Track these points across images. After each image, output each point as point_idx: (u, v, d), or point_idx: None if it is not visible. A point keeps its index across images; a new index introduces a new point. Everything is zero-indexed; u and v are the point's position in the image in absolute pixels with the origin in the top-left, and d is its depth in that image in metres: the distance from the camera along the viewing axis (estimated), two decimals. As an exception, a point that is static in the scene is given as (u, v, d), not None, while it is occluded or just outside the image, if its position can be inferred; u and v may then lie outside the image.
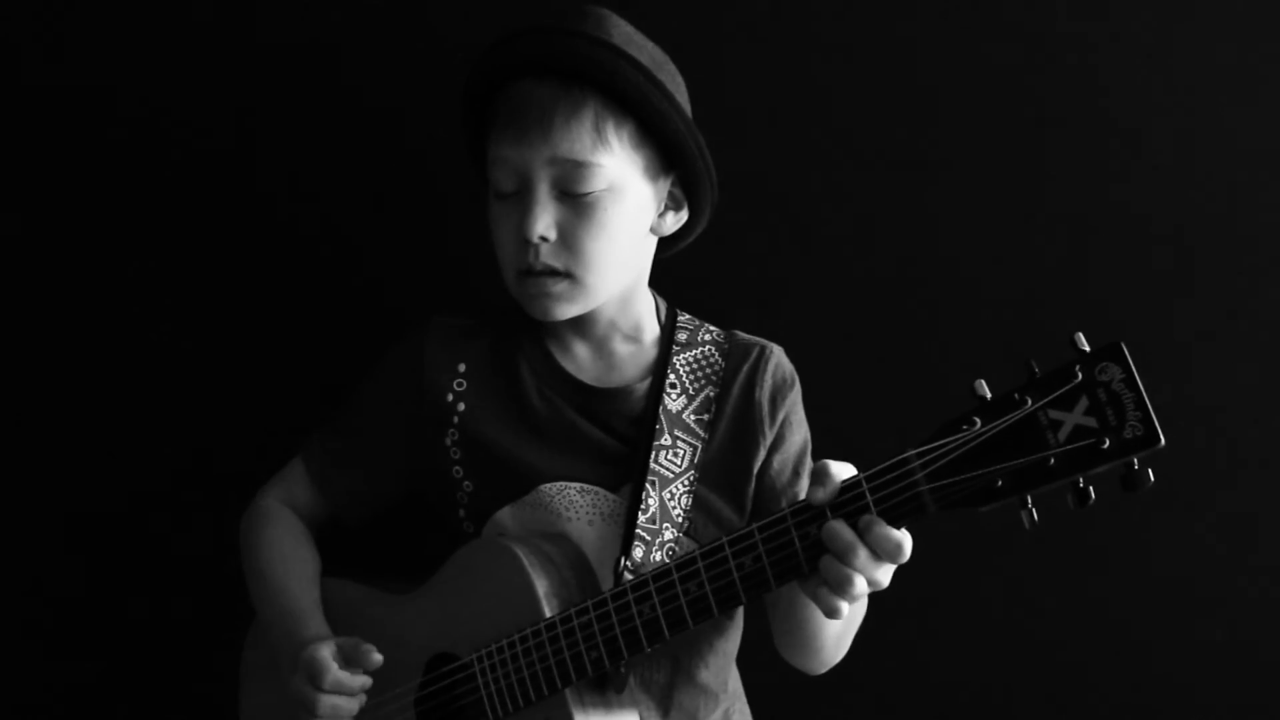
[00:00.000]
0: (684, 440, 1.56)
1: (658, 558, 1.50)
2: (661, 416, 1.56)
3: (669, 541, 1.52)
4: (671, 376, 1.58)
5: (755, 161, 1.82)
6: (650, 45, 1.57)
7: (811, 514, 1.30)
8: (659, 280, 1.66)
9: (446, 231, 1.87)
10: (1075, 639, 1.86)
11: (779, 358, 1.62)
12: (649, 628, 1.38)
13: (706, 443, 1.57)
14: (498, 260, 1.56)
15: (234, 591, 1.65)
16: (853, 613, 1.47)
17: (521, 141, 1.49)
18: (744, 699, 1.67)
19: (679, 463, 1.55)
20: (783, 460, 1.59)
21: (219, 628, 1.76)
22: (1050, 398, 1.20)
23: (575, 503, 1.54)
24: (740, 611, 1.63)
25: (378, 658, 1.47)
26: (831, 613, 1.30)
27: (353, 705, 1.46)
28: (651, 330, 1.64)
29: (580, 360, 1.61)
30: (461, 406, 1.59)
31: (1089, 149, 1.83)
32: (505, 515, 1.55)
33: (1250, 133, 1.83)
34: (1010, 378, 1.24)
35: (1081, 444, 1.18)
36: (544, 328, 1.62)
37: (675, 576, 1.36)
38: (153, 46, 1.86)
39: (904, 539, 1.27)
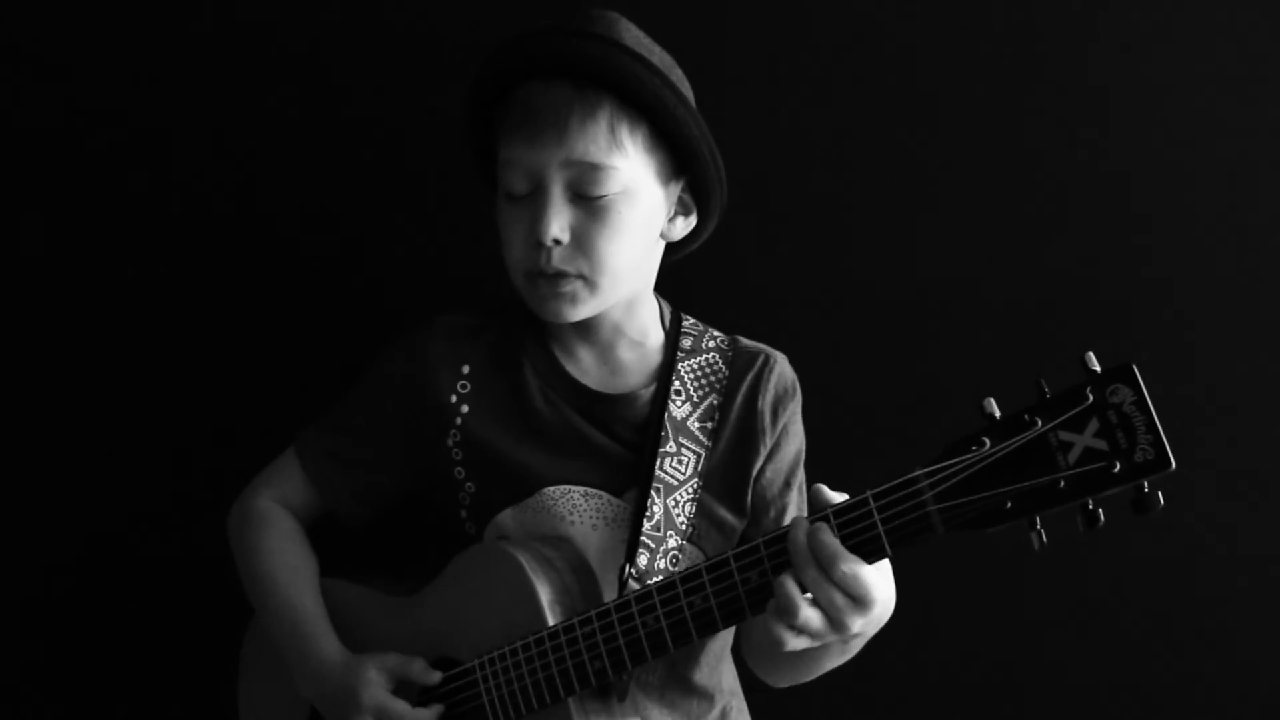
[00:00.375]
0: (688, 448, 1.55)
1: (662, 565, 1.50)
2: (666, 423, 1.55)
3: (673, 549, 1.51)
4: (676, 383, 1.58)
5: (759, 166, 1.81)
6: (659, 49, 1.56)
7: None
8: (662, 283, 1.65)
9: (447, 232, 1.86)
10: (1076, 639, 1.86)
11: (782, 366, 1.62)
12: (653, 639, 1.38)
13: (710, 450, 1.56)
14: (506, 262, 1.54)
15: (231, 588, 1.64)
16: (821, 654, 1.45)
17: (535, 143, 1.47)
18: (741, 696, 1.67)
19: (683, 470, 1.54)
20: (775, 470, 1.59)
21: (217, 624, 1.75)
22: (1061, 419, 1.19)
23: (579, 506, 1.53)
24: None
25: (436, 675, 1.48)
26: (779, 641, 1.29)
27: None
28: (656, 335, 1.63)
29: (584, 364, 1.60)
30: (465, 408, 1.58)
31: (1099, 157, 1.83)
32: (507, 517, 1.54)
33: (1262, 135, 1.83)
34: (1013, 386, 1.24)
35: (1092, 467, 1.18)
36: (548, 330, 1.61)
37: (680, 589, 1.36)
38: (153, 48, 1.86)
39: (848, 558, 1.25)
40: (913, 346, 1.85)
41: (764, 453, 1.58)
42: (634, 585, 1.47)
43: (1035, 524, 1.21)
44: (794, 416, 1.61)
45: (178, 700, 1.88)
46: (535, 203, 1.49)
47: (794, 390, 1.61)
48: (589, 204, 1.48)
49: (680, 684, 1.57)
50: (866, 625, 1.31)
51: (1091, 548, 1.78)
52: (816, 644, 1.31)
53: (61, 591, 1.89)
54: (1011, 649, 1.87)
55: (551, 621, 1.43)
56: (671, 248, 1.63)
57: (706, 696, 1.59)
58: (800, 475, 1.62)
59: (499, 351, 1.61)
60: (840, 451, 1.70)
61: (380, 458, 1.61)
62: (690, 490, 1.54)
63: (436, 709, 1.47)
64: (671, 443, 1.54)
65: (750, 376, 1.60)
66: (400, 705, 1.46)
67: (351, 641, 1.54)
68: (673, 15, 1.68)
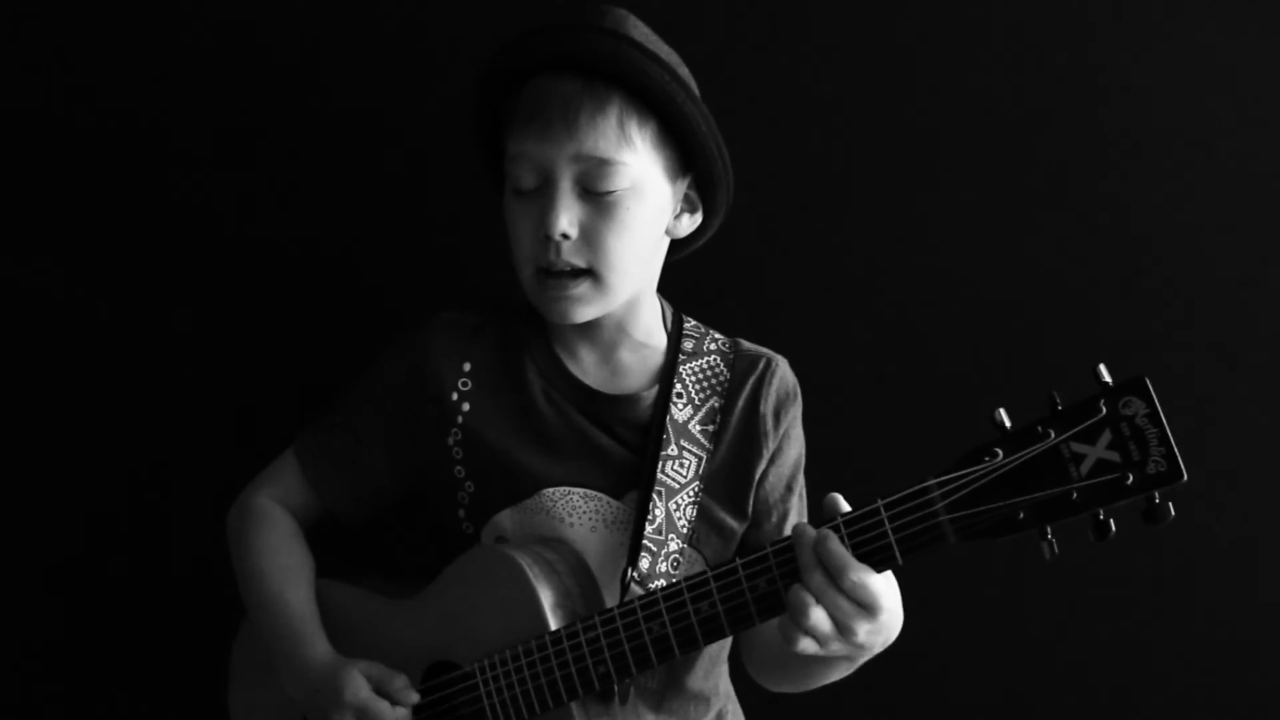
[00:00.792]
0: (690, 451, 1.55)
1: (663, 568, 1.50)
2: (668, 426, 1.55)
3: (674, 552, 1.51)
4: (678, 386, 1.57)
5: (763, 167, 1.80)
6: (665, 46, 1.55)
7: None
8: (664, 284, 1.64)
9: (449, 231, 1.85)
10: (1076, 639, 1.87)
11: (784, 371, 1.62)
12: (659, 645, 1.38)
13: (711, 454, 1.56)
14: (514, 258, 1.53)
15: (226, 588, 1.63)
16: (824, 667, 1.45)
17: (545, 137, 1.47)
18: (735, 699, 1.67)
19: (685, 473, 1.54)
20: (777, 475, 1.59)
21: (216, 626, 1.73)
22: (1074, 431, 1.20)
23: (578, 508, 1.53)
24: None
25: (415, 697, 1.47)
26: (788, 641, 1.30)
27: None
28: (658, 336, 1.62)
29: (586, 365, 1.60)
30: (466, 406, 1.57)
31: (1112, 160, 1.83)
32: (506, 518, 1.53)
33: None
34: (1016, 388, 1.26)
35: (1104, 478, 1.19)
36: (550, 330, 1.61)
37: (687, 596, 1.36)
38: (153, 49, 1.85)
39: (857, 567, 1.26)
40: (917, 349, 1.86)
41: (766, 457, 1.58)
42: (636, 589, 1.47)
43: (1046, 534, 1.23)
44: (795, 420, 1.62)
45: (170, 699, 1.88)
46: (544, 197, 1.48)
47: (795, 394, 1.62)
48: (598, 199, 1.48)
49: (677, 689, 1.57)
50: (873, 635, 1.31)
51: (1091, 553, 1.80)
52: (823, 652, 1.32)
53: (61, 592, 1.88)
54: (1011, 649, 1.88)
55: (554, 625, 1.43)
56: (673, 247, 1.63)
57: (703, 700, 1.60)
58: (801, 480, 1.63)
59: (501, 350, 1.60)
60: (837, 451, 1.70)
61: (379, 457, 1.60)
62: (691, 493, 1.54)
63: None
64: (673, 445, 1.54)
65: (752, 380, 1.60)
66: (381, 704, 1.45)
67: (351, 644, 1.53)
68: (677, 14, 1.69)
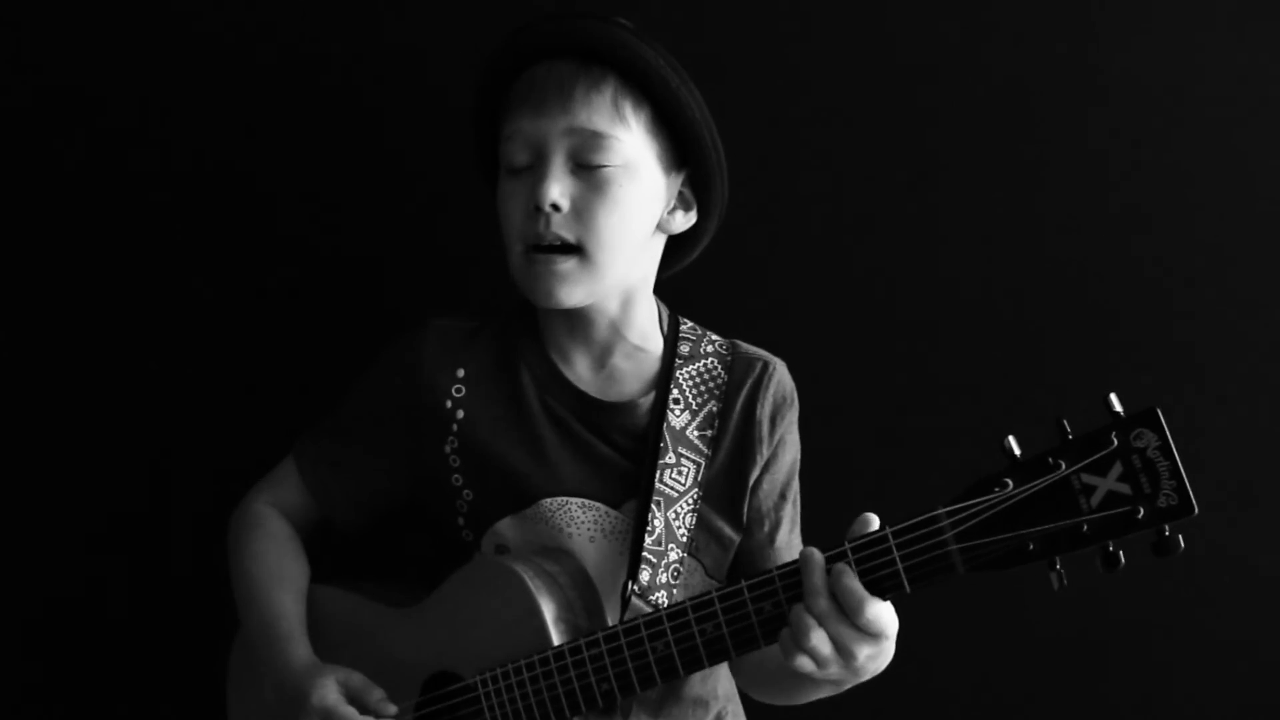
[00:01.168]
0: (688, 458, 1.54)
1: (663, 579, 1.49)
2: (665, 434, 1.54)
3: (674, 562, 1.51)
4: (675, 391, 1.56)
5: (762, 168, 1.80)
6: (662, 49, 1.54)
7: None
8: (662, 287, 1.63)
9: (448, 234, 1.84)
10: (1076, 640, 1.88)
11: (781, 374, 1.61)
12: (663, 664, 1.37)
13: (710, 460, 1.55)
14: (504, 239, 1.52)
15: (226, 592, 1.62)
16: (815, 684, 1.44)
17: (540, 113, 1.48)
18: (738, 700, 1.67)
19: (683, 481, 1.53)
20: (771, 481, 1.59)
21: (216, 628, 1.73)
22: (1085, 463, 1.20)
23: (577, 518, 1.52)
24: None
25: (392, 709, 1.46)
26: (786, 655, 1.31)
27: None
28: (654, 340, 1.61)
29: (581, 370, 1.58)
30: (461, 413, 1.56)
31: (1118, 169, 1.83)
32: (505, 526, 1.52)
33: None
34: (1012, 390, 1.24)
35: (1115, 511, 1.19)
36: (545, 335, 1.59)
37: (691, 616, 1.36)
38: (151, 50, 1.84)
39: (873, 603, 1.27)
40: (916, 353, 1.85)
41: (761, 463, 1.58)
42: (637, 601, 1.46)
43: (1055, 564, 1.22)
44: (791, 426, 1.61)
45: (177, 706, 1.88)
46: (535, 172, 1.49)
47: (792, 399, 1.61)
48: (590, 174, 1.48)
49: (676, 695, 1.57)
50: (871, 660, 1.32)
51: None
52: (819, 673, 1.32)
53: (60, 595, 1.88)
54: (1012, 649, 1.89)
55: (556, 639, 1.42)
56: (671, 257, 1.62)
57: (701, 704, 1.60)
58: (795, 486, 1.62)
59: (496, 355, 1.59)
60: (835, 452, 1.70)
61: (377, 464, 1.59)
62: (690, 501, 1.53)
63: None
64: (671, 454, 1.53)
65: (749, 383, 1.59)
66: (348, 711, 1.44)
67: (350, 651, 1.52)
68: (676, 14, 1.70)
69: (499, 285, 1.56)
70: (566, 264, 1.49)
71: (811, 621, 1.28)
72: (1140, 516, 1.18)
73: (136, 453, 1.86)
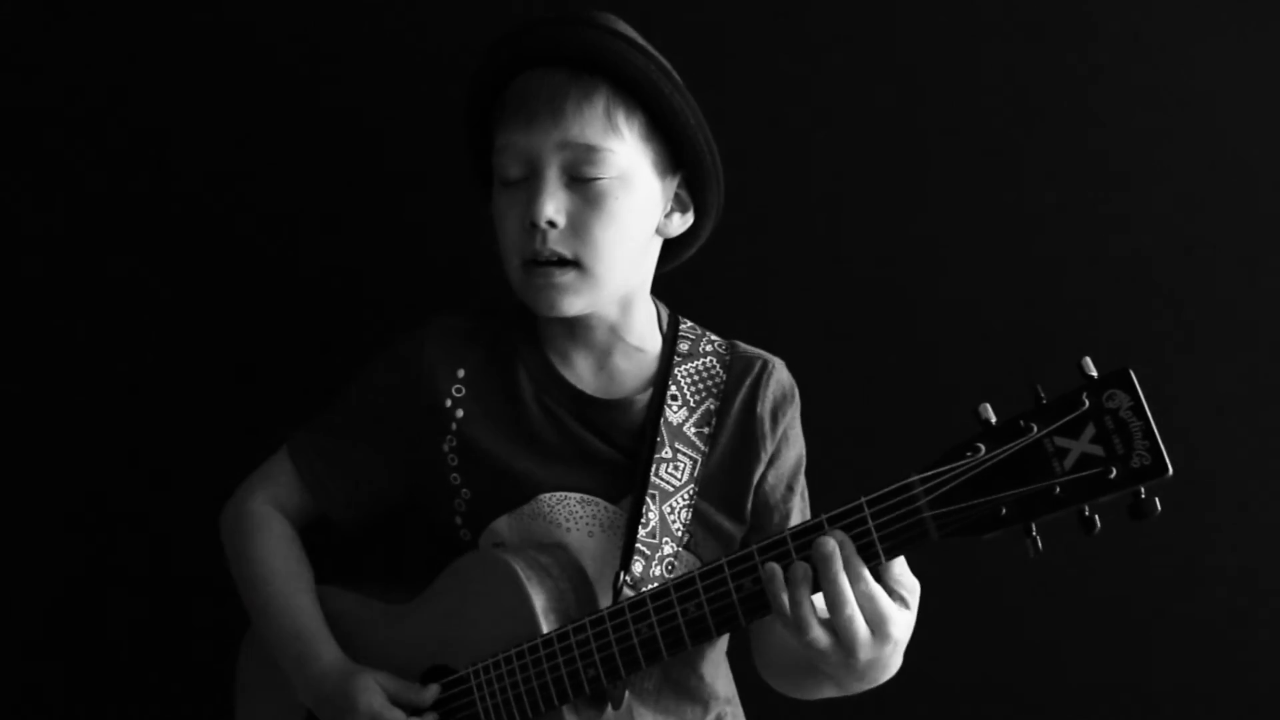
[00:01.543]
0: (684, 453, 1.54)
1: (657, 572, 1.49)
2: (663, 429, 1.54)
3: (668, 556, 1.50)
4: (673, 388, 1.56)
5: (759, 168, 1.80)
6: (655, 52, 1.54)
7: (810, 537, 1.28)
8: (661, 286, 1.64)
9: (447, 234, 1.85)
10: (1076, 640, 1.86)
11: (780, 372, 1.61)
12: (646, 647, 1.37)
13: (706, 456, 1.55)
14: (501, 251, 1.53)
15: (227, 593, 1.63)
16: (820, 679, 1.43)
17: (532, 126, 1.47)
18: (737, 702, 1.65)
19: (679, 476, 1.53)
20: (778, 475, 1.58)
21: (215, 629, 1.75)
22: (1056, 425, 1.19)
23: (575, 513, 1.52)
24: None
25: (430, 693, 1.46)
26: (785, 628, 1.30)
27: None
28: (653, 339, 1.61)
29: (580, 370, 1.59)
30: (460, 412, 1.57)
31: (1096, 159, 1.83)
32: (503, 524, 1.53)
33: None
34: (1011, 387, 1.24)
35: (1088, 473, 1.17)
36: (543, 335, 1.60)
37: (674, 596, 1.35)
38: (150, 50, 1.86)
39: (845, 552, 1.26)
40: (912, 349, 1.85)
41: (764, 459, 1.57)
42: (629, 593, 1.46)
43: (1031, 530, 1.21)
44: (793, 422, 1.60)
45: (174, 707, 1.88)
46: (530, 186, 1.48)
47: (792, 395, 1.60)
48: (585, 188, 1.47)
49: (675, 690, 1.55)
50: (880, 656, 1.30)
51: (1087, 551, 1.78)
52: (821, 661, 1.31)
53: (59, 596, 1.89)
54: (1013, 649, 1.87)
55: (546, 629, 1.42)
56: (668, 254, 1.62)
57: (701, 702, 1.58)
58: (802, 481, 1.61)
59: (494, 355, 1.60)
60: (834, 451, 1.69)
61: (375, 461, 1.59)
62: (686, 496, 1.53)
63: (431, 717, 1.46)
64: (667, 448, 1.53)
65: (748, 382, 1.58)
66: (396, 714, 1.45)
67: (348, 650, 1.53)
68: (669, 19, 1.69)
69: (498, 284, 1.57)
70: (565, 276, 1.50)
71: (809, 616, 1.27)
72: (1113, 477, 1.16)
73: (133, 456, 1.87)
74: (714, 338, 1.63)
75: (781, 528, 1.56)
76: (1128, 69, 1.82)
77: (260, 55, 1.86)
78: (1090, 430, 1.17)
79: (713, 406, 1.57)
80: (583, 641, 1.39)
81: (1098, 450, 1.17)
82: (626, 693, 1.46)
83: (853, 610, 1.26)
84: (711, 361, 1.60)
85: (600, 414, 1.56)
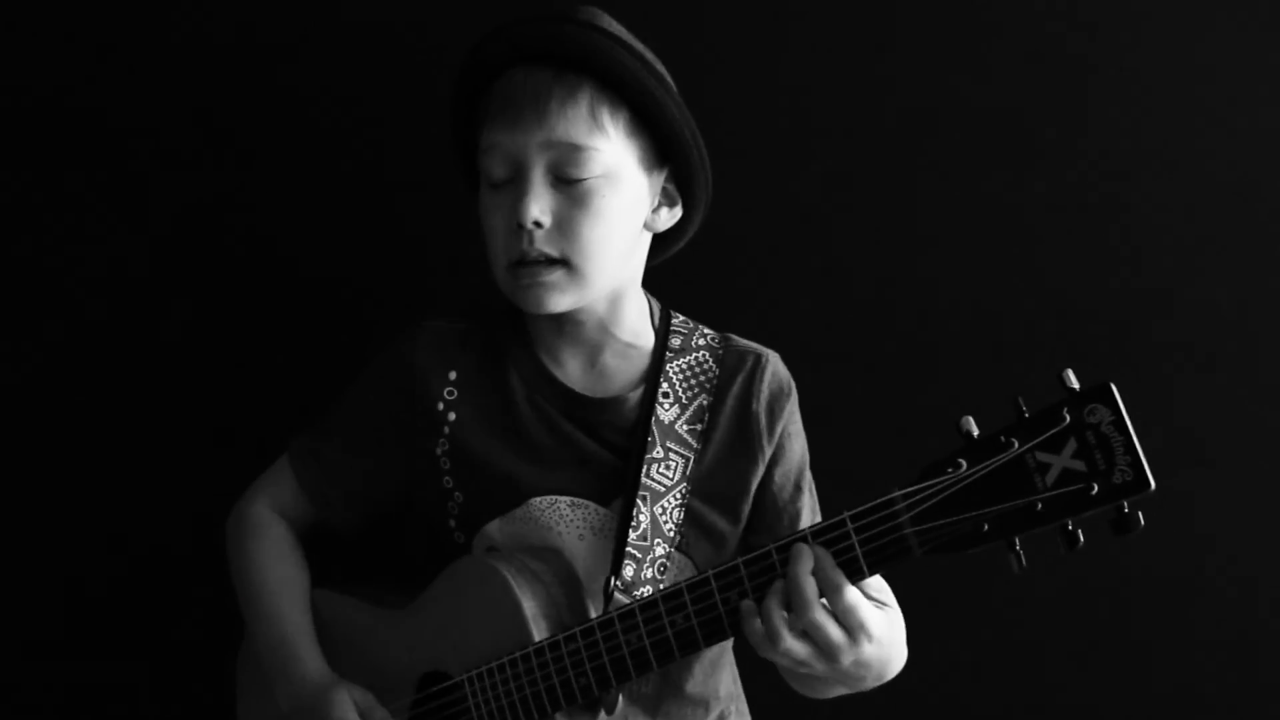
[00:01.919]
0: (676, 452, 1.53)
1: (649, 575, 1.49)
2: (653, 428, 1.53)
3: (660, 557, 1.50)
4: (664, 385, 1.55)
5: (753, 163, 1.80)
6: (640, 45, 1.53)
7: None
8: (651, 280, 1.63)
9: (444, 237, 1.84)
10: (1077, 640, 1.86)
11: (775, 366, 1.59)
12: (637, 657, 1.37)
13: (699, 454, 1.54)
14: (488, 253, 1.52)
15: (228, 599, 1.64)
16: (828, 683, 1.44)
17: (516, 126, 1.46)
18: (742, 699, 1.66)
19: (671, 476, 1.52)
20: (784, 474, 1.57)
21: (216, 630, 1.76)
22: (1037, 440, 1.18)
23: (566, 517, 1.52)
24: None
25: None
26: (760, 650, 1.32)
27: None
28: (645, 334, 1.60)
29: (571, 369, 1.58)
30: (452, 416, 1.56)
31: (1092, 169, 1.82)
32: (495, 528, 1.52)
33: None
34: (996, 398, 1.23)
35: (1070, 489, 1.17)
36: (534, 335, 1.59)
37: (662, 608, 1.35)
38: (147, 50, 1.86)
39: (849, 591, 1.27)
40: (908, 347, 1.84)
41: (764, 459, 1.56)
42: (619, 597, 1.46)
43: (1014, 545, 1.20)
44: (792, 417, 1.59)
45: (177, 710, 1.90)
46: (516, 187, 1.47)
47: (789, 389, 1.59)
48: (570, 188, 1.46)
49: (675, 693, 1.56)
50: (861, 657, 1.32)
51: (1076, 564, 1.77)
52: (805, 670, 1.32)
53: (58, 597, 1.89)
54: (1013, 650, 1.87)
55: (537, 635, 1.42)
56: (658, 247, 1.61)
57: (701, 703, 1.58)
58: (809, 477, 1.60)
59: (485, 357, 1.59)
60: (830, 448, 1.68)
61: (371, 465, 1.60)
62: (678, 496, 1.52)
63: None
64: (658, 448, 1.52)
65: (742, 376, 1.57)
66: None
67: (345, 655, 1.54)
68: (659, 12, 1.68)
69: (489, 287, 1.56)
70: (553, 275, 1.49)
71: (780, 627, 1.29)
72: (1095, 493, 1.16)
73: (134, 459, 1.88)
74: (707, 331, 1.61)
75: (792, 528, 1.56)
76: (1128, 68, 1.81)
77: (261, 55, 1.86)
78: (1072, 445, 1.17)
79: (705, 402, 1.56)
80: (574, 651, 1.40)
81: (1079, 465, 1.16)
82: (620, 698, 1.46)
83: (814, 614, 1.28)
84: (704, 356, 1.59)
85: (592, 413, 1.55)
